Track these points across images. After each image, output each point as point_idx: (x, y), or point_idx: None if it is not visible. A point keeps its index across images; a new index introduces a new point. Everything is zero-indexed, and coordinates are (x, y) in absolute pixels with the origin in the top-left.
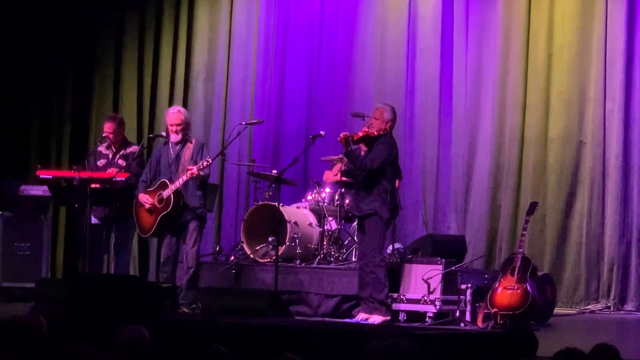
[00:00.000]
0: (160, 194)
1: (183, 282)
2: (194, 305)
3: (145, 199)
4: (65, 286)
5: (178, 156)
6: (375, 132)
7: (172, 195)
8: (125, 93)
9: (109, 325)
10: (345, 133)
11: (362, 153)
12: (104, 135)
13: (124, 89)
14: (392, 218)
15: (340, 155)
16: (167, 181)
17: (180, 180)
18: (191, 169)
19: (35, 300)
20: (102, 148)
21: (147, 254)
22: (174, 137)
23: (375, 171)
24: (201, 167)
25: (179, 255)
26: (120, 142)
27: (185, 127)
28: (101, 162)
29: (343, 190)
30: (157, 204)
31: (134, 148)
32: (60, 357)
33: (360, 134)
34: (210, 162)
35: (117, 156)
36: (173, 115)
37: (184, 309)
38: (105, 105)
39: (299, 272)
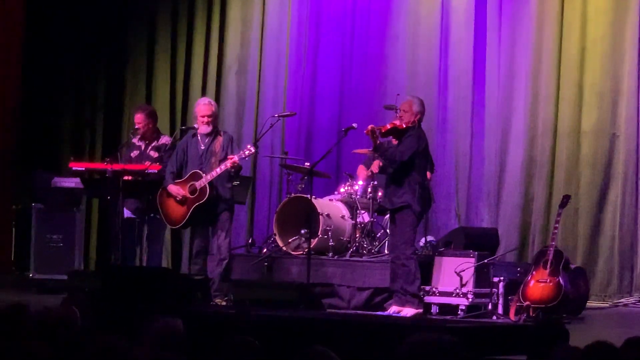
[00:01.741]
0: (193, 184)
1: (215, 273)
2: (227, 297)
3: (176, 190)
4: (98, 278)
5: (209, 148)
6: (404, 125)
7: (207, 185)
8: (157, 85)
9: (141, 318)
10: (373, 126)
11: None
12: (135, 127)
13: (156, 82)
14: (424, 210)
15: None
16: (199, 172)
17: (218, 169)
18: (232, 158)
19: (67, 292)
20: (135, 139)
21: (179, 246)
22: (204, 129)
23: (406, 163)
24: (243, 156)
25: (210, 246)
26: (152, 134)
27: (215, 119)
28: (134, 154)
29: (376, 182)
30: (189, 195)
31: (166, 139)
32: (94, 349)
33: (389, 126)
34: (253, 151)
35: (149, 147)
36: (204, 106)
37: (218, 300)
38: (137, 97)
39: (331, 264)
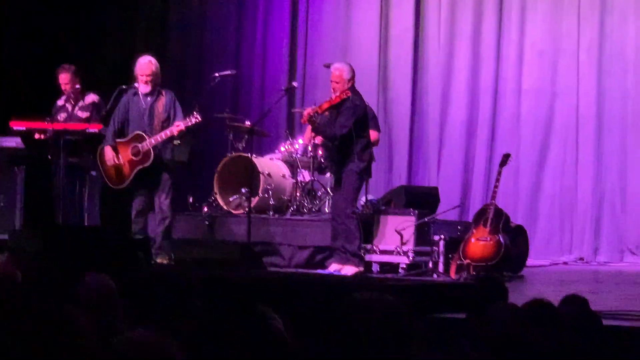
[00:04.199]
0: (136, 146)
1: (157, 232)
2: (168, 256)
3: (110, 155)
4: (39, 238)
5: (152, 108)
6: (338, 99)
7: (151, 149)
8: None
9: (78, 277)
10: (309, 111)
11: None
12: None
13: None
14: (369, 174)
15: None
16: (143, 134)
17: (163, 135)
18: (178, 126)
19: (8, 252)
20: (60, 101)
21: (120, 205)
22: (144, 88)
23: (346, 135)
24: (189, 124)
25: (152, 206)
26: (78, 93)
27: (156, 78)
28: (61, 117)
29: (317, 141)
30: (132, 157)
31: (92, 97)
32: (32, 311)
33: (325, 106)
34: (200, 119)
35: (77, 108)
36: (144, 65)
37: (160, 259)
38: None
39: (272, 223)
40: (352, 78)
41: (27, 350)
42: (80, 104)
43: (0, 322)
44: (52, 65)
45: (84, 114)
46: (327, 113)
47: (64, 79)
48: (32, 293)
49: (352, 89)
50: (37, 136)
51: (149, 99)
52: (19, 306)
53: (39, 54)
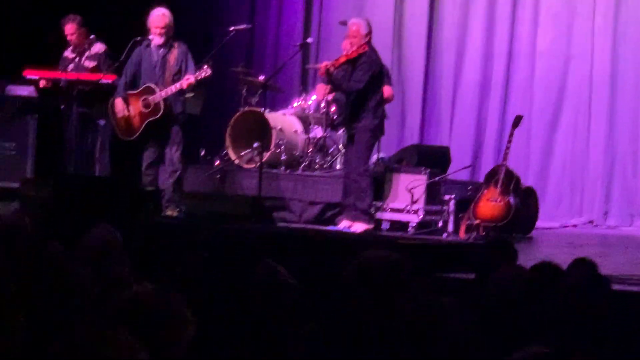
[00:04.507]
0: (146, 98)
1: (167, 185)
2: (179, 208)
3: (121, 107)
4: (49, 186)
5: (163, 60)
6: (355, 53)
7: (161, 101)
8: None
9: (86, 228)
10: (326, 63)
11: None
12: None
13: None
14: (382, 130)
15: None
16: (153, 86)
17: (173, 88)
18: (188, 79)
19: (19, 200)
20: (67, 53)
21: (131, 156)
22: (157, 40)
23: (361, 90)
24: (199, 77)
25: (163, 158)
26: (84, 44)
27: (169, 31)
28: (70, 68)
29: (329, 98)
30: (142, 109)
31: (99, 47)
32: (36, 257)
33: (342, 60)
34: (210, 72)
35: (84, 58)
36: (157, 17)
37: (170, 211)
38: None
39: (283, 178)
40: (369, 34)
41: (33, 298)
42: (87, 53)
43: (9, 269)
44: (62, 15)
45: (90, 64)
46: (341, 69)
47: (70, 29)
48: (40, 242)
49: (369, 44)
50: (47, 84)
51: (161, 51)
52: (27, 254)
53: (51, 3)
